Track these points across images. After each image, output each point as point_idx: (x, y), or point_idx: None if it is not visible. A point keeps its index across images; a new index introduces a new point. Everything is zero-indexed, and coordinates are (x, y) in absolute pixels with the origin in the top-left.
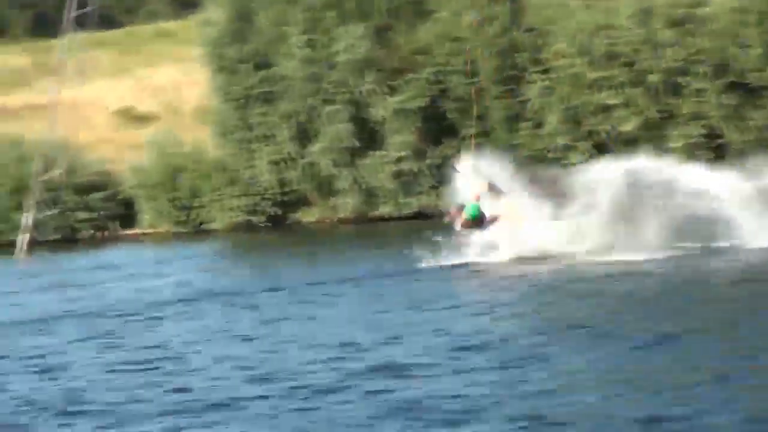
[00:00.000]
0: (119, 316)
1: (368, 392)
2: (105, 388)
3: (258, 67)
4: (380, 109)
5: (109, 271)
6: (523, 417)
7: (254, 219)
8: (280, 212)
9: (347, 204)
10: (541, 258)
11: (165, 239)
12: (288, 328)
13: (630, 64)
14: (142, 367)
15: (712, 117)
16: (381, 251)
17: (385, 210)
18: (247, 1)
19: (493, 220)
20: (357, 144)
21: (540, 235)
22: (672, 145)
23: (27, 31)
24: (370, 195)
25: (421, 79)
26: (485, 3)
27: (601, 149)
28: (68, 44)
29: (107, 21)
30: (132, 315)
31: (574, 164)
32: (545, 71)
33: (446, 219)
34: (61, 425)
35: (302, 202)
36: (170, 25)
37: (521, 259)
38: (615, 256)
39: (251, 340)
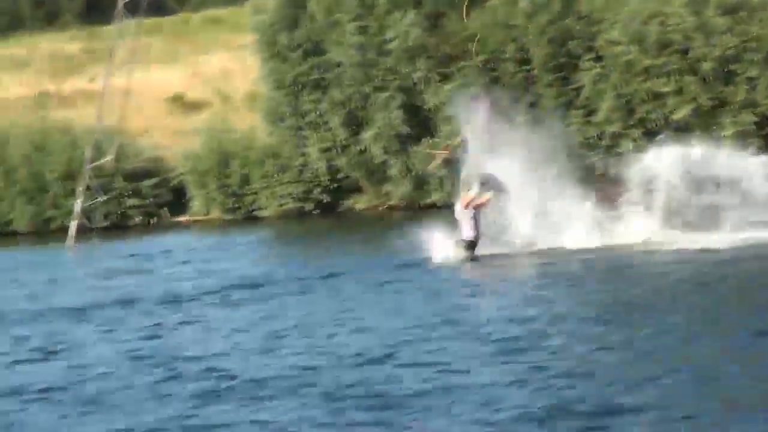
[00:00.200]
0: (175, 302)
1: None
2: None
3: (309, 53)
4: (432, 97)
5: (161, 258)
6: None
7: (305, 206)
8: (330, 199)
9: (398, 191)
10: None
11: (215, 226)
12: (358, 312)
13: (682, 52)
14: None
15: (763, 105)
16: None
17: (435, 197)
18: None
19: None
20: (408, 131)
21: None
22: (723, 133)
23: (78, 18)
24: (420, 182)
25: (473, 66)
26: None
27: (652, 137)
28: (120, 31)
29: (159, 8)
30: (188, 301)
31: (623, 152)
32: (598, 59)
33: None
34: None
35: (353, 189)
36: (221, 12)
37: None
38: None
39: (315, 326)
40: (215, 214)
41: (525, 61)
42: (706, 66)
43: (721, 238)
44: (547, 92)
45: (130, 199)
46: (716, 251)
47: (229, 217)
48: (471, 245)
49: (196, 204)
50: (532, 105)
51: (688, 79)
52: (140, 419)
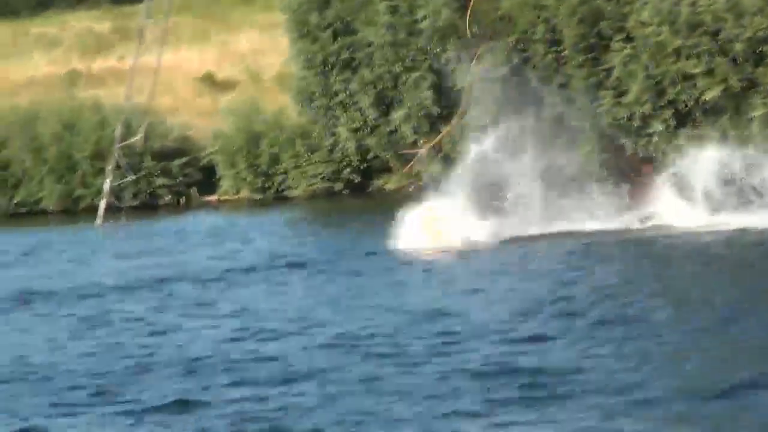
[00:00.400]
0: (210, 281)
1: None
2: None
3: (340, 33)
4: (462, 77)
5: (192, 237)
6: None
7: (334, 186)
8: (360, 179)
9: (428, 172)
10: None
11: (244, 206)
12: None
13: (713, 33)
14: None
15: None
16: None
17: None
18: None
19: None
20: (439, 111)
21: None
22: (753, 114)
23: None
24: (450, 162)
25: (503, 47)
26: None
27: (682, 118)
28: (150, 10)
29: None
30: (216, 281)
31: (653, 133)
32: (629, 39)
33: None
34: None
35: (383, 169)
36: None
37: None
38: None
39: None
40: (244, 193)
41: (555, 42)
42: (737, 47)
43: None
44: (578, 73)
45: (159, 178)
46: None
47: (258, 196)
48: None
49: (226, 184)
50: (562, 86)
51: (719, 61)
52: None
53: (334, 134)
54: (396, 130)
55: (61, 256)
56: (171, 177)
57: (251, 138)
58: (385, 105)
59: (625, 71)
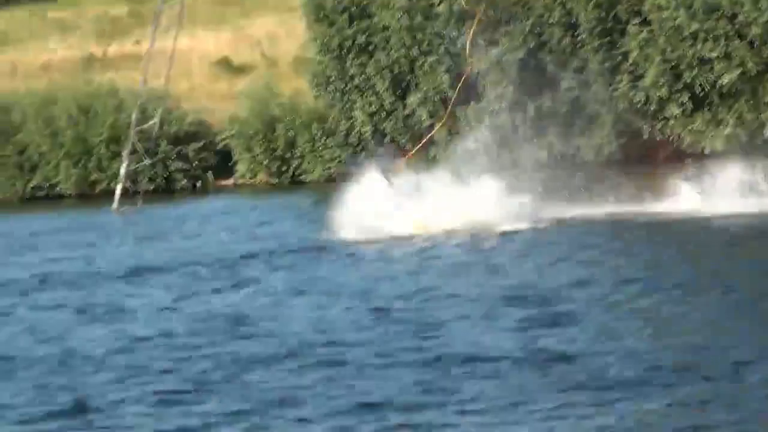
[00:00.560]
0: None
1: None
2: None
3: (356, 17)
4: (478, 61)
5: (209, 222)
6: None
7: (351, 170)
8: None
9: (444, 156)
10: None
11: (260, 190)
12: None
13: (730, 17)
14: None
15: None
16: None
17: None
18: None
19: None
20: (455, 96)
21: None
22: None
23: None
24: (462, 144)
25: (519, 31)
26: None
27: (698, 102)
28: None
29: None
30: (230, 266)
31: (670, 117)
32: (645, 23)
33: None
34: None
35: (399, 153)
36: None
37: None
38: None
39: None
40: (260, 178)
41: (572, 26)
42: (754, 30)
43: None
44: (594, 57)
45: (175, 162)
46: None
47: (274, 181)
48: None
49: (242, 168)
50: (579, 70)
51: (736, 44)
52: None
53: (350, 118)
54: (412, 114)
55: (77, 240)
56: (187, 161)
57: (267, 122)
58: (401, 89)
59: (641, 55)
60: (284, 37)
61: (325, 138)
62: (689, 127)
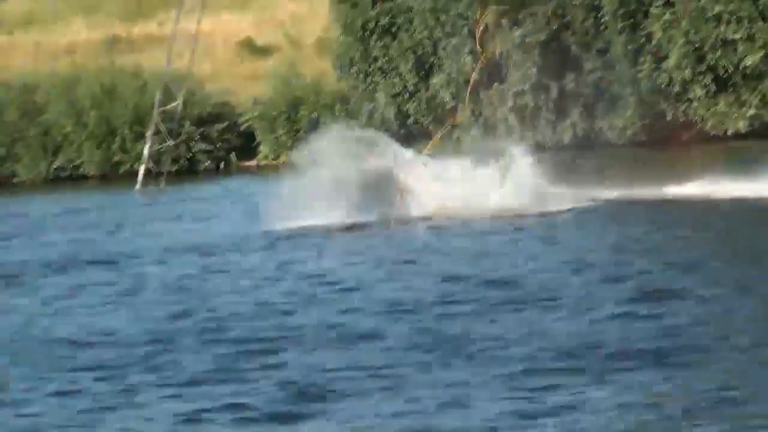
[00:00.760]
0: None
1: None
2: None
3: None
4: (502, 43)
5: (233, 202)
6: None
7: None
8: (399, 144)
9: (467, 137)
10: None
11: (283, 171)
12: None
13: None
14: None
15: None
16: None
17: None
18: None
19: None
20: (478, 77)
21: None
22: None
23: None
24: (489, 128)
25: (542, 12)
26: None
27: (722, 84)
28: None
29: None
30: (257, 247)
31: (692, 99)
32: (669, 5)
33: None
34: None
35: (422, 135)
36: None
37: None
38: None
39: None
40: (284, 159)
41: (595, 8)
42: None
43: None
44: (617, 39)
45: (199, 143)
46: None
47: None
48: None
49: (265, 149)
50: (602, 51)
51: (760, 26)
52: None
53: (373, 99)
54: (435, 96)
55: (102, 220)
56: (210, 142)
57: (291, 103)
58: (424, 70)
59: (665, 37)
60: (308, 18)
61: (348, 119)
62: (712, 109)
